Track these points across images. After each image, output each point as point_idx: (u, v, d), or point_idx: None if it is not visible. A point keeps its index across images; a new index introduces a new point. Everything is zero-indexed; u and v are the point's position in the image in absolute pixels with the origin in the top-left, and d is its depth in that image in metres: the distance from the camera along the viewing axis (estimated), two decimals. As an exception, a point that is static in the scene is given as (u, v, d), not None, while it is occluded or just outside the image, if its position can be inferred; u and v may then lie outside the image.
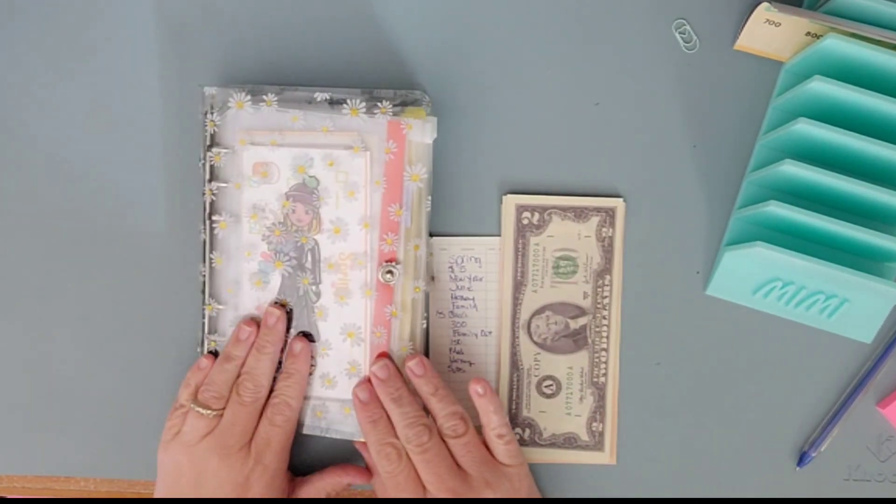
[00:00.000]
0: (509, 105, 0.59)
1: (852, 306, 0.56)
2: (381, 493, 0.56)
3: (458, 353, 0.59)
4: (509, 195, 0.58)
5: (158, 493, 0.55)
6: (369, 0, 0.58)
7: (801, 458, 0.59)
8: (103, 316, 0.60)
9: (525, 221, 0.58)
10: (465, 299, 0.59)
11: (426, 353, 0.59)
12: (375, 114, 0.54)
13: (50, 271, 0.60)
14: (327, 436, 0.57)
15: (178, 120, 0.59)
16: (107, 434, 0.60)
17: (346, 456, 0.60)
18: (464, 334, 0.59)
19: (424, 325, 0.57)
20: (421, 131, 0.55)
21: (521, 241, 0.59)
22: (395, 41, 0.58)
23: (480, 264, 0.59)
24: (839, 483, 0.59)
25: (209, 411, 0.54)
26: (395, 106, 0.55)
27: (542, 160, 0.59)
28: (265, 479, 0.54)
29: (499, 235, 0.59)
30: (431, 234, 0.59)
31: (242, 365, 0.56)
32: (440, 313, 0.59)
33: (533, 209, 0.58)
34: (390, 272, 0.55)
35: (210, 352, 0.57)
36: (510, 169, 0.59)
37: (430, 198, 0.56)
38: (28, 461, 0.60)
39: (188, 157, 0.58)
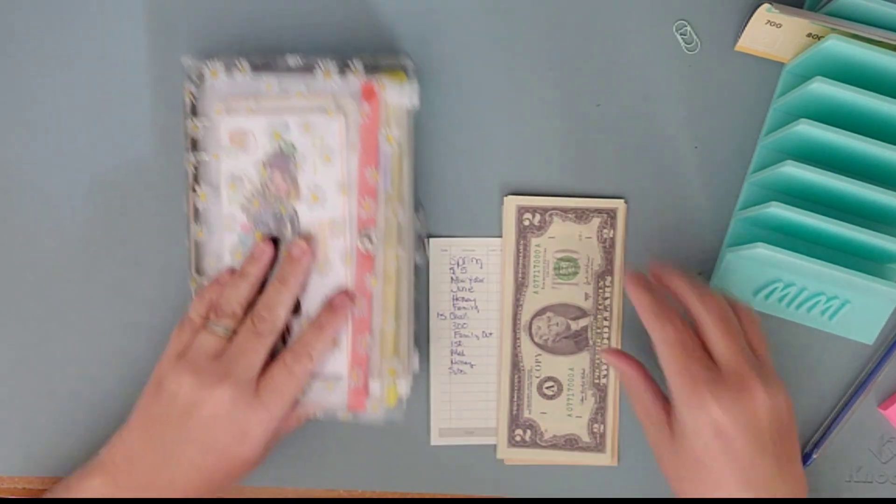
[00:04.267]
0: (510, 106, 0.58)
1: (854, 307, 0.56)
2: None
3: (459, 354, 0.59)
4: (510, 196, 0.58)
5: (142, 410, 0.52)
6: None
7: (803, 460, 0.59)
8: (104, 315, 0.59)
9: (526, 223, 0.58)
10: (467, 301, 0.59)
11: (426, 354, 0.59)
12: (348, 75, 0.54)
13: (47, 265, 0.59)
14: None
15: (164, 93, 0.58)
16: (107, 434, 0.60)
17: (331, 430, 0.59)
18: (465, 336, 0.59)
19: (410, 301, 0.55)
20: (398, 93, 0.53)
21: (522, 243, 0.59)
22: (392, 34, 0.58)
23: (481, 266, 0.59)
24: (840, 484, 0.59)
25: (222, 329, 0.51)
26: (370, 68, 0.54)
27: (543, 161, 0.59)
28: (267, 429, 0.51)
29: (500, 237, 0.59)
30: (432, 236, 0.59)
31: (258, 287, 0.53)
32: (441, 315, 0.59)
33: (534, 210, 0.58)
34: (368, 237, 0.54)
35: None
36: (511, 170, 0.59)
37: (406, 160, 0.54)
38: (28, 461, 0.60)
39: (174, 130, 0.58)
